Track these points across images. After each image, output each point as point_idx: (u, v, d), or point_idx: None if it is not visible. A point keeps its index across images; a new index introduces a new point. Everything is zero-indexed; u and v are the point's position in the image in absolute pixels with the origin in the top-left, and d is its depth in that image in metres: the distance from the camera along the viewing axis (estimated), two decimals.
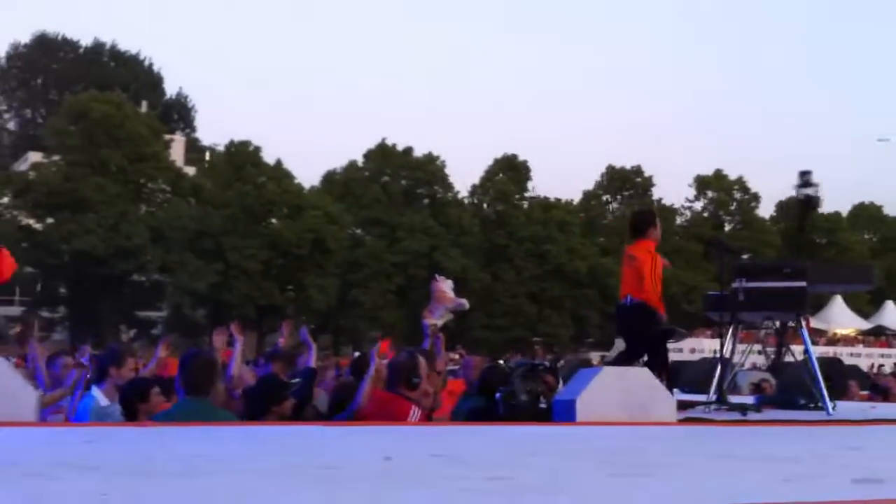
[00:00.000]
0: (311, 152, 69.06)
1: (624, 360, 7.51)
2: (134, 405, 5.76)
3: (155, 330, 46.89)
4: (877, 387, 12.70)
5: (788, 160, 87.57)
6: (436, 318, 8.30)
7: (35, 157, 49.22)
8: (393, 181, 51.32)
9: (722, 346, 7.50)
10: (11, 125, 66.56)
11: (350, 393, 6.20)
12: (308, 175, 55.83)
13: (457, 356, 16.48)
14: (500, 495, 3.02)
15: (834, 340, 45.09)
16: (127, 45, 63.26)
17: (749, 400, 8.26)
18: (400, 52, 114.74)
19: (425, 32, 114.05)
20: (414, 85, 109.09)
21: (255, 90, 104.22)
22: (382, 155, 51.67)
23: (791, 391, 8.16)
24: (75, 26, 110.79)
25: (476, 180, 54.14)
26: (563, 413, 5.85)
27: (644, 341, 7.46)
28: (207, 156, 55.58)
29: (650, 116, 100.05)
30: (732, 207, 57.23)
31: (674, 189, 69.92)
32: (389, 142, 52.00)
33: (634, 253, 7.55)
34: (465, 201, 53.63)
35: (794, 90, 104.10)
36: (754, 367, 12.15)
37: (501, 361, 9.54)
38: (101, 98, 45.69)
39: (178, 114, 64.69)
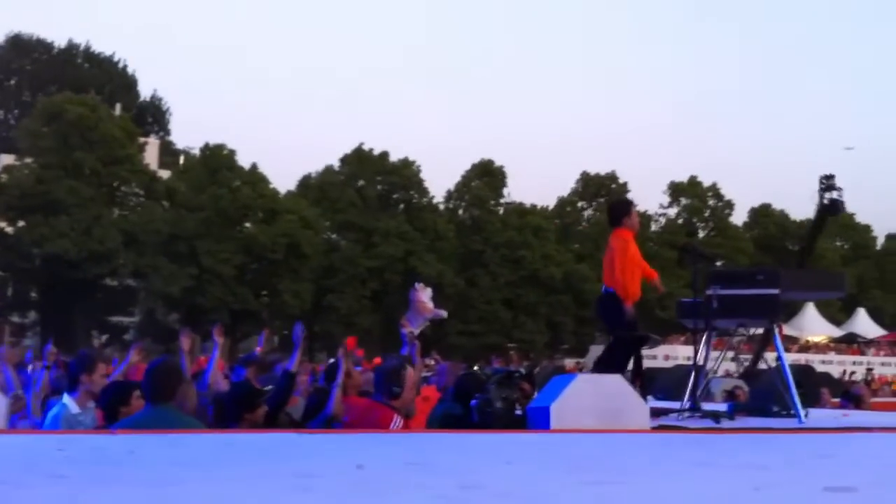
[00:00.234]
0: (286, 156, 68.97)
1: (605, 354, 7.63)
2: (115, 408, 5.71)
3: (127, 335, 46.53)
4: (848, 394, 12.77)
5: (762, 168, 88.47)
6: (414, 328, 8.32)
7: (7, 159, 48.64)
8: (369, 186, 51.27)
9: (696, 352, 7.53)
10: None
11: (325, 399, 6.18)
12: (283, 179, 55.80)
13: (432, 362, 16.46)
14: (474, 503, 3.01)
15: (806, 347, 45.52)
16: (101, 46, 62.62)
17: (722, 407, 8.29)
18: (376, 56, 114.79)
19: (403, 37, 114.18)
20: (390, 90, 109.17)
21: (231, 93, 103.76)
22: (358, 159, 51.64)
23: (764, 398, 8.20)
24: (49, 27, 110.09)
25: (452, 186, 54.33)
26: (537, 420, 5.86)
27: (613, 331, 7.63)
28: (182, 159, 55.25)
29: (625, 123, 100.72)
30: (706, 214, 57.70)
31: (648, 196, 70.20)
32: (366, 147, 52.04)
33: (610, 242, 7.71)
34: (441, 206, 53.65)
35: (771, 96, 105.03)
36: (727, 375, 12.23)
37: (476, 368, 9.56)
38: (74, 100, 45.23)
39: (153, 116, 64.12)
